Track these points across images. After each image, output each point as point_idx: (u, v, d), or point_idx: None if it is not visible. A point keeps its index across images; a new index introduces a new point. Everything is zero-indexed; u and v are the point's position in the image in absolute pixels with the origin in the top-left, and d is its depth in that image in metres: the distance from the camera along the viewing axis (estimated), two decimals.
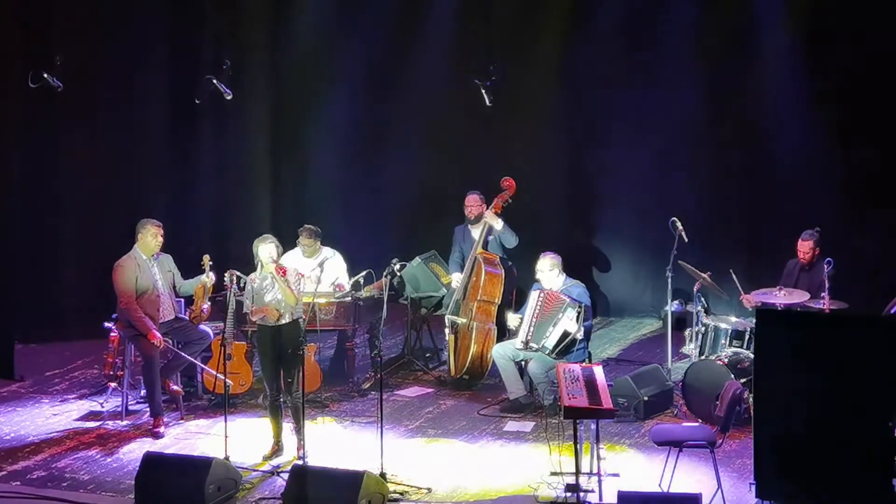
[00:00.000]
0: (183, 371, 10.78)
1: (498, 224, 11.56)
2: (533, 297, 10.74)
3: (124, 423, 10.43)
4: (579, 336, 10.42)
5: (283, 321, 9.53)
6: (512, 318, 10.89)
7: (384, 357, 10.53)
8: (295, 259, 11.07)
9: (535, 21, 13.83)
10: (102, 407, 10.75)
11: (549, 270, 10.68)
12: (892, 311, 10.18)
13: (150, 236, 10.34)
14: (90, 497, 8.92)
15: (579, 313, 10.39)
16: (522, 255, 11.94)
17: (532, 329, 10.59)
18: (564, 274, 10.74)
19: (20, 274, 12.57)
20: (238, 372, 10.66)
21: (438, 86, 14.10)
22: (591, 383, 8.65)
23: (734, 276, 11.06)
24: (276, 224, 14.23)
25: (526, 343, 10.62)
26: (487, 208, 11.65)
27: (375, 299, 11.10)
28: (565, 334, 10.42)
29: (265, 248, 9.54)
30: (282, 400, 9.64)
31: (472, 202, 11.84)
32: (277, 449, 9.62)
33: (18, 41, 12.54)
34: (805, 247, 11.03)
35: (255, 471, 9.32)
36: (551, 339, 10.47)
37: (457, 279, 11.75)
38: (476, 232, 11.72)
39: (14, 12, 12.50)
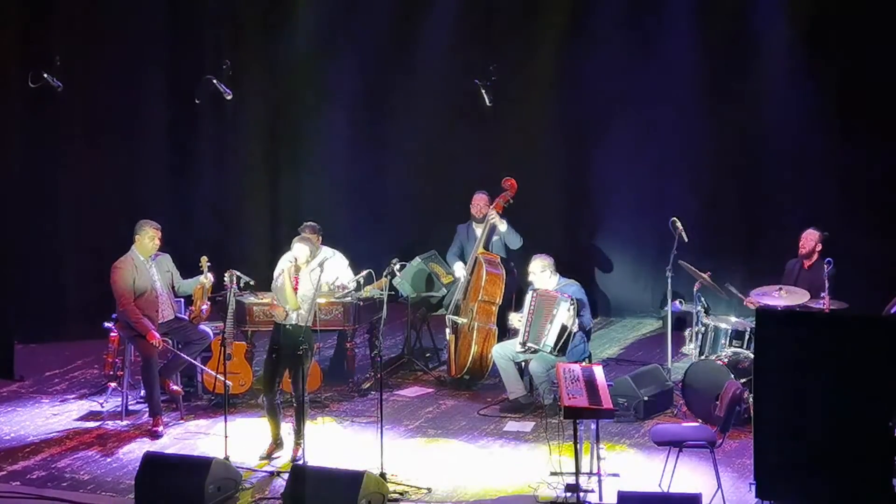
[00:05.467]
0: (183, 371, 10.78)
1: (503, 225, 11.58)
2: (527, 298, 10.75)
3: (124, 423, 10.43)
4: (575, 329, 10.42)
5: (290, 322, 9.52)
6: (514, 318, 10.90)
7: (384, 357, 10.56)
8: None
9: (535, 21, 13.83)
10: (102, 407, 10.75)
11: (540, 272, 10.68)
12: (893, 311, 10.18)
13: (148, 238, 10.33)
14: (90, 497, 8.92)
15: (572, 306, 10.40)
16: (523, 256, 11.94)
17: (529, 330, 10.59)
18: (558, 274, 10.74)
19: (20, 274, 12.57)
20: (238, 372, 10.67)
21: (438, 86, 14.10)
22: (591, 383, 8.65)
23: (731, 288, 11.09)
24: (276, 224, 14.27)
25: (524, 344, 10.61)
26: (491, 208, 11.66)
27: (375, 299, 11.10)
28: (563, 329, 10.42)
29: (298, 247, 9.53)
30: (278, 400, 9.64)
31: (481, 201, 11.85)
32: (275, 448, 9.62)
33: (18, 41, 12.54)
34: (809, 236, 11.01)
35: (255, 471, 9.32)
36: (551, 337, 10.47)
37: (460, 268, 11.76)
38: (480, 230, 11.73)
39: (14, 12, 12.51)
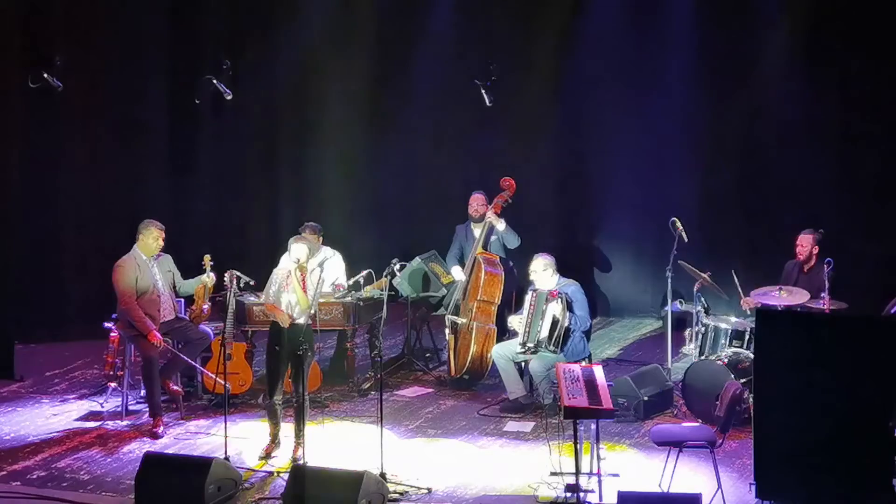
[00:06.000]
0: (183, 371, 10.78)
1: (500, 225, 11.59)
2: (527, 298, 10.75)
3: (124, 423, 10.43)
4: (566, 322, 10.41)
5: (297, 322, 9.51)
6: (514, 320, 10.90)
7: (384, 357, 10.56)
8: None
9: (535, 21, 13.83)
10: (102, 407, 10.75)
11: (542, 271, 10.68)
12: (892, 311, 10.18)
13: (152, 239, 10.32)
14: (90, 497, 8.92)
15: (562, 299, 10.39)
16: (523, 256, 11.95)
17: (528, 329, 10.60)
18: (558, 274, 10.74)
19: (20, 274, 12.57)
20: (238, 372, 10.67)
21: (438, 86, 14.11)
22: (591, 383, 8.65)
23: (735, 278, 11.05)
24: (276, 224, 14.26)
25: (524, 345, 10.62)
26: (489, 208, 11.67)
27: (375, 299, 11.10)
28: (555, 321, 10.42)
29: (296, 247, 9.50)
30: (280, 400, 9.64)
31: (478, 201, 11.86)
32: (273, 448, 9.62)
33: (18, 41, 12.55)
34: (804, 241, 10.99)
35: (255, 471, 9.32)
36: (543, 331, 10.48)
37: (458, 273, 11.76)
38: (478, 231, 11.74)
39: (14, 12, 12.51)
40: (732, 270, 11.10)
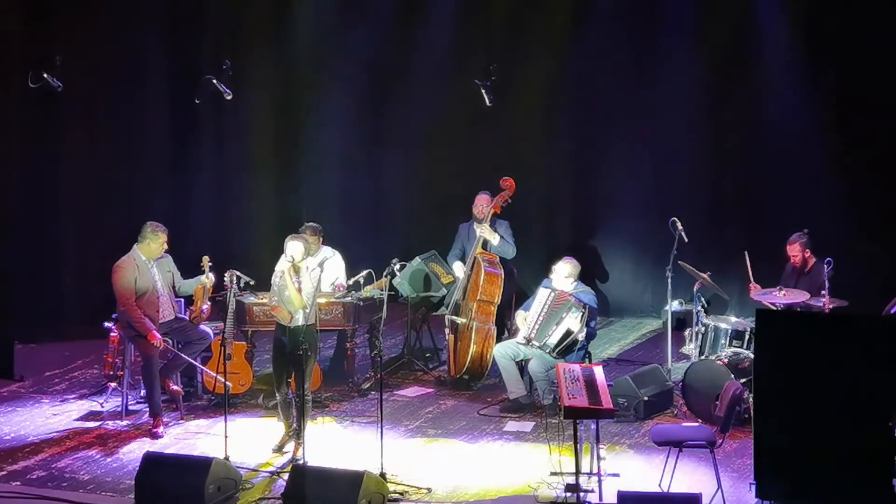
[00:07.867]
0: (183, 371, 10.77)
1: (494, 240, 11.53)
2: (542, 294, 10.73)
3: (124, 423, 10.43)
4: (581, 336, 10.44)
5: (296, 323, 9.50)
6: (520, 316, 10.90)
7: (384, 357, 10.55)
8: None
9: (536, 21, 13.83)
10: (102, 407, 10.75)
11: (564, 277, 10.70)
12: (893, 311, 10.18)
13: (158, 244, 10.29)
14: (90, 497, 8.92)
15: (583, 314, 10.42)
16: (523, 255, 11.94)
17: (537, 326, 10.61)
18: (578, 281, 10.77)
19: (20, 274, 12.57)
20: (238, 372, 10.66)
21: (438, 86, 14.10)
22: (591, 383, 8.65)
23: (747, 260, 11.03)
24: (276, 224, 14.24)
25: (528, 340, 10.62)
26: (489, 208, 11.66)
27: (375, 299, 11.10)
28: (568, 333, 10.44)
29: (292, 245, 9.51)
30: (290, 396, 9.65)
31: (483, 201, 11.83)
32: (287, 440, 9.64)
33: (18, 41, 12.55)
34: (793, 249, 11.05)
35: (255, 471, 9.32)
36: (553, 338, 10.49)
37: (459, 268, 11.76)
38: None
39: (14, 12, 12.52)
40: (745, 252, 11.07)
